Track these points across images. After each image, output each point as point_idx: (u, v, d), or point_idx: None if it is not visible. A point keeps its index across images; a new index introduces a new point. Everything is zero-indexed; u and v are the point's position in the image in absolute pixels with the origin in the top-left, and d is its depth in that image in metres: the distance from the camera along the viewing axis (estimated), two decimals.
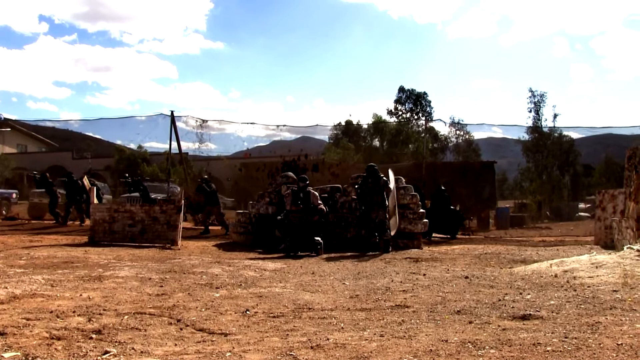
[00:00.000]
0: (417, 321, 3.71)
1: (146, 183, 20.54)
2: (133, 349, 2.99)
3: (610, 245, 9.38)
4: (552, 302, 4.23)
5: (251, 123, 19.94)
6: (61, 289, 4.96)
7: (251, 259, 7.97)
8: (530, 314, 3.77)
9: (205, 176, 14.66)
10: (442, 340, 3.11)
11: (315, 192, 9.65)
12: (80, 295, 4.65)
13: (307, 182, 9.69)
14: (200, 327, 3.56)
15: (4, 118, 31.21)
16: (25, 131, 36.21)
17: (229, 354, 2.91)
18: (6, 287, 4.86)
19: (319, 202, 9.44)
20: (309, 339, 3.20)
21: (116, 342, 3.14)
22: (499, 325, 3.50)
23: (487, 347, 2.96)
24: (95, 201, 10.95)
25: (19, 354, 2.84)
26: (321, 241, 9.04)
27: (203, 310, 4.12)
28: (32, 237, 11.06)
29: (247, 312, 4.05)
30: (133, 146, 28.24)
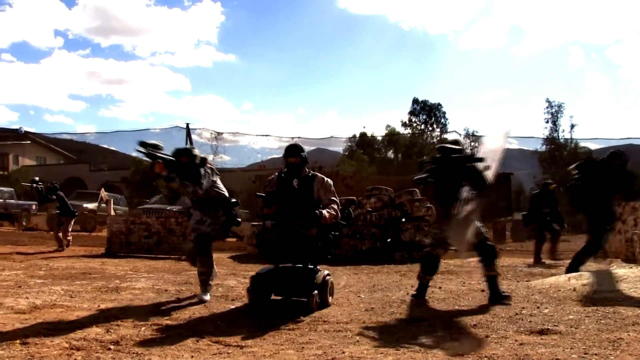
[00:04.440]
0: (433, 335, 3.68)
1: (160, 195, 20.76)
2: None
3: (631, 259, 9.19)
4: (570, 316, 4.16)
5: (265, 135, 20.13)
6: (80, 299, 5.04)
7: None
8: (548, 329, 3.71)
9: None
10: (458, 355, 3.09)
11: (327, 179, 4.89)
12: (98, 306, 4.71)
13: (303, 154, 4.87)
14: (216, 339, 3.58)
15: (25, 131, 32.00)
16: (44, 144, 37.03)
17: None
18: (27, 298, 4.95)
19: (333, 198, 4.80)
20: (325, 352, 3.20)
21: (134, 353, 3.18)
22: (516, 340, 3.46)
23: None
24: (113, 213, 11.08)
25: None
26: (329, 276, 4.93)
27: (219, 322, 4.15)
28: (50, 247, 11.23)
29: (263, 324, 4.07)
30: None
